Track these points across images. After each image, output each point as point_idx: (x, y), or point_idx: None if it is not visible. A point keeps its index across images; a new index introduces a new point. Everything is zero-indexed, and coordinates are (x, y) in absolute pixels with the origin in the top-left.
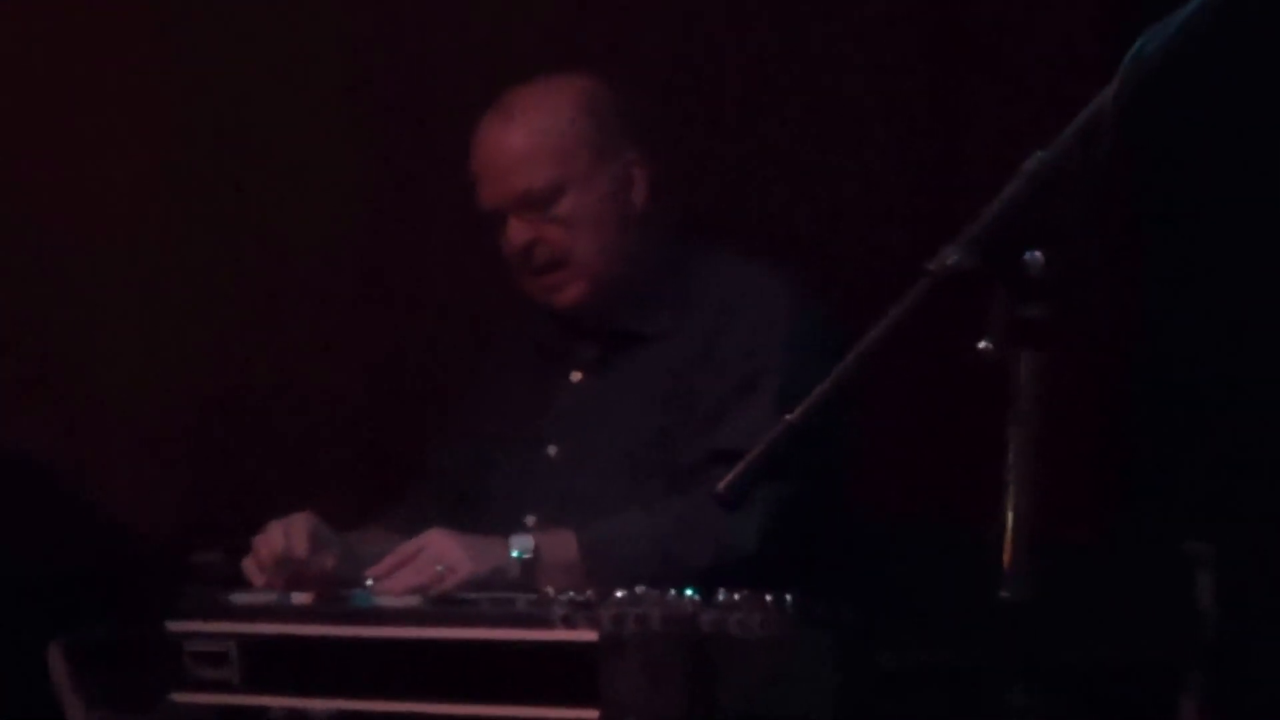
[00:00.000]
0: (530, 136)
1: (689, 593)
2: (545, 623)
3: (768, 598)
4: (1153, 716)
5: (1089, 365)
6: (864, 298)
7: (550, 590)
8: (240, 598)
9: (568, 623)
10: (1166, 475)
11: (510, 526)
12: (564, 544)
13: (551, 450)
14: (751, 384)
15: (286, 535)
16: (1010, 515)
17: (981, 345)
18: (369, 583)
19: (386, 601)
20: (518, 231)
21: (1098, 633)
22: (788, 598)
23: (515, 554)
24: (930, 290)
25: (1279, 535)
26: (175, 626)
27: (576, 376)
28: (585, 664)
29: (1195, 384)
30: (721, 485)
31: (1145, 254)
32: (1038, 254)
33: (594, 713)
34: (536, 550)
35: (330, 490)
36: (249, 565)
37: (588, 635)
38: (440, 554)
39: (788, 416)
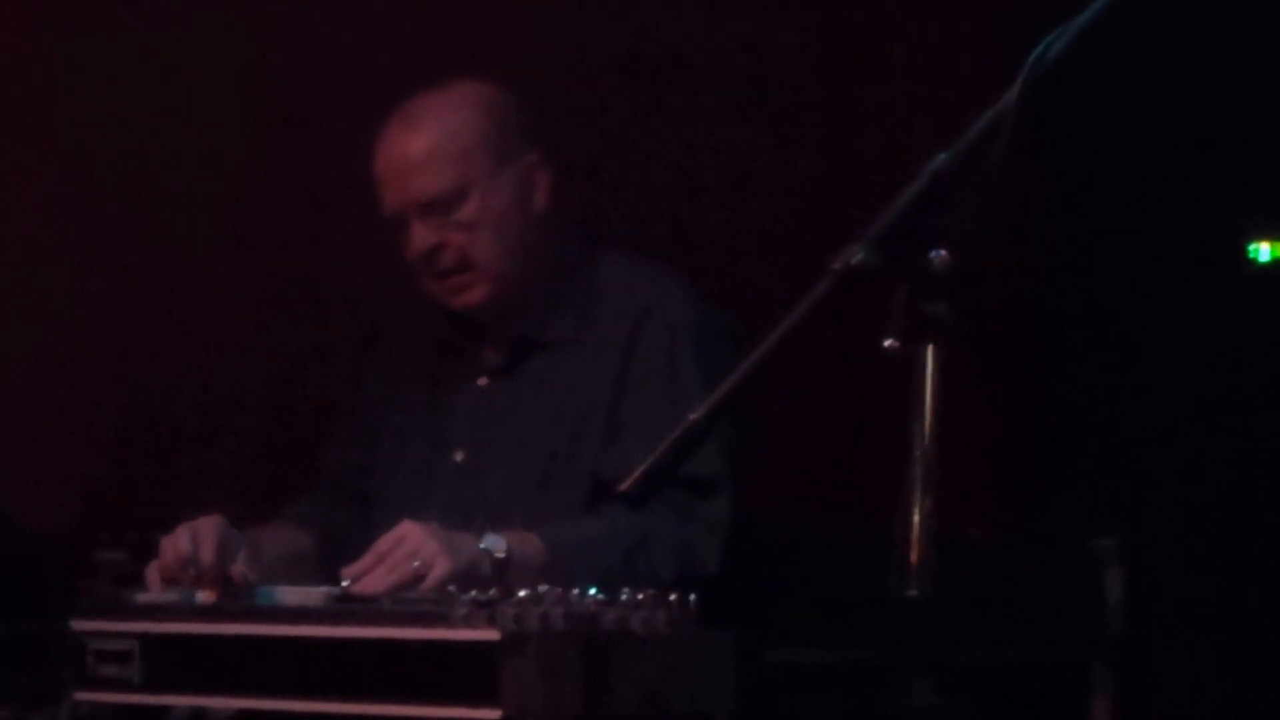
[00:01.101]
0: (432, 142)
1: (592, 591)
2: (447, 621)
3: (671, 597)
4: (1061, 712)
5: (995, 362)
6: (759, 300)
7: (453, 588)
8: (144, 596)
9: (469, 621)
10: (1072, 473)
11: None
12: (530, 545)
13: (458, 456)
14: (672, 397)
15: (194, 541)
16: (916, 512)
17: (886, 343)
18: (345, 583)
19: (289, 600)
20: (422, 236)
21: (1005, 630)
22: (691, 596)
23: (485, 547)
24: (834, 288)
25: (1185, 531)
26: (79, 625)
27: (482, 381)
28: (487, 662)
29: (1100, 381)
30: (626, 484)
31: (1050, 253)
32: (942, 252)
33: (496, 711)
34: (509, 549)
35: (233, 488)
36: (151, 570)
37: (489, 634)
38: (416, 549)
39: (691, 415)
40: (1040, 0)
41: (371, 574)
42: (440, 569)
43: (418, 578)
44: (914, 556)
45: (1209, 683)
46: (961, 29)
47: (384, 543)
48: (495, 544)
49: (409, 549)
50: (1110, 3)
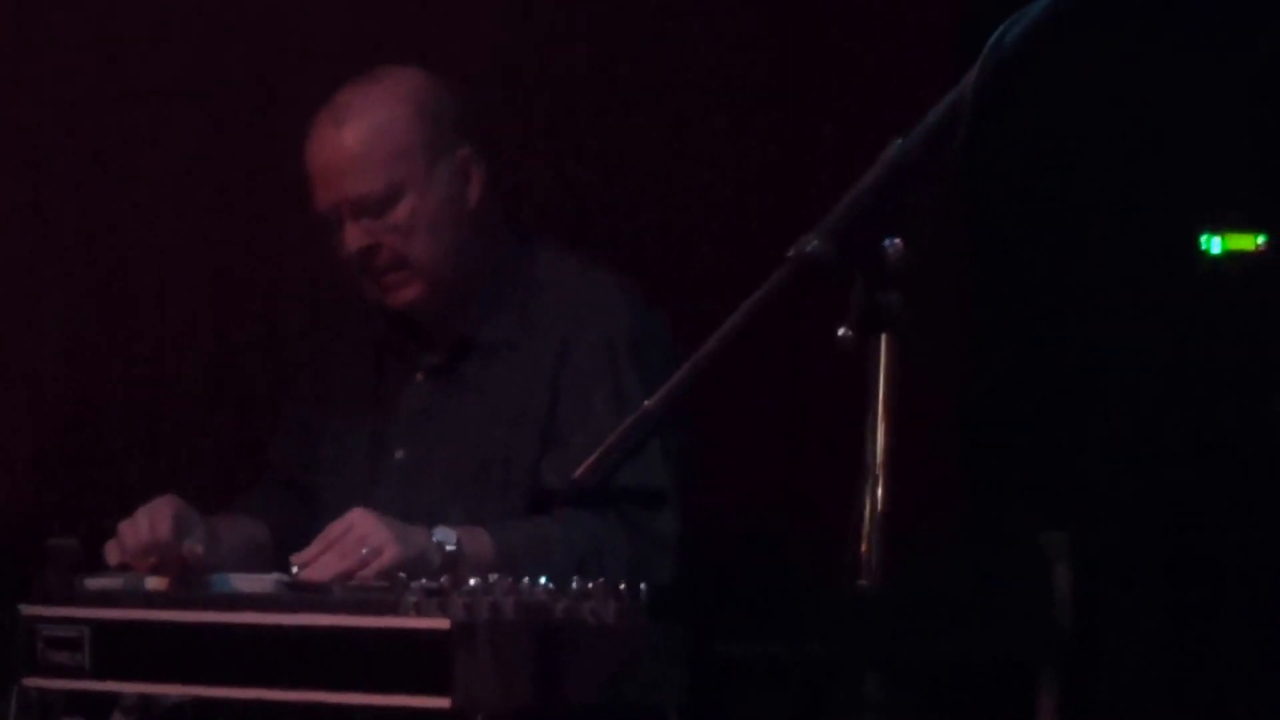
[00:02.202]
0: (361, 141)
1: (543, 581)
2: (398, 610)
3: (622, 587)
4: (1009, 708)
5: (945, 354)
6: (713, 291)
7: (403, 576)
8: (95, 583)
9: (420, 610)
10: (1022, 467)
11: None
12: (481, 541)
13: (399, 455)
14: (608, 401)
15: (150, 520)
16: (868, 506)
17: (841, 332)
18: (295, 570)
19: (242, 587)
20: (355, 236)
21: (954, 625)
22: (642, 587)
23: (437, 539)
24: (788, 278)
25: (1134, 527)
26: (29, 611)
27: (420, 379)
28: (438, 652)
29: (1052, 374)
30: (579, 472)
31: (1000, 244)
32: (897, 241)
33: (446, 700)
34: (459, 543)
35: (186, 477)
36: (110, 548)
37: (440, 623)
38: (365, 536)
39: (646, 403)
40: None
41: (320, 560)
42: (388, 556)
43: (366, 564)
44: (866, 549)
45: (1155, 680)
46: (919, 15)
47: (333, 529)
48: (446, 537)
49: (358, 535)
50: None
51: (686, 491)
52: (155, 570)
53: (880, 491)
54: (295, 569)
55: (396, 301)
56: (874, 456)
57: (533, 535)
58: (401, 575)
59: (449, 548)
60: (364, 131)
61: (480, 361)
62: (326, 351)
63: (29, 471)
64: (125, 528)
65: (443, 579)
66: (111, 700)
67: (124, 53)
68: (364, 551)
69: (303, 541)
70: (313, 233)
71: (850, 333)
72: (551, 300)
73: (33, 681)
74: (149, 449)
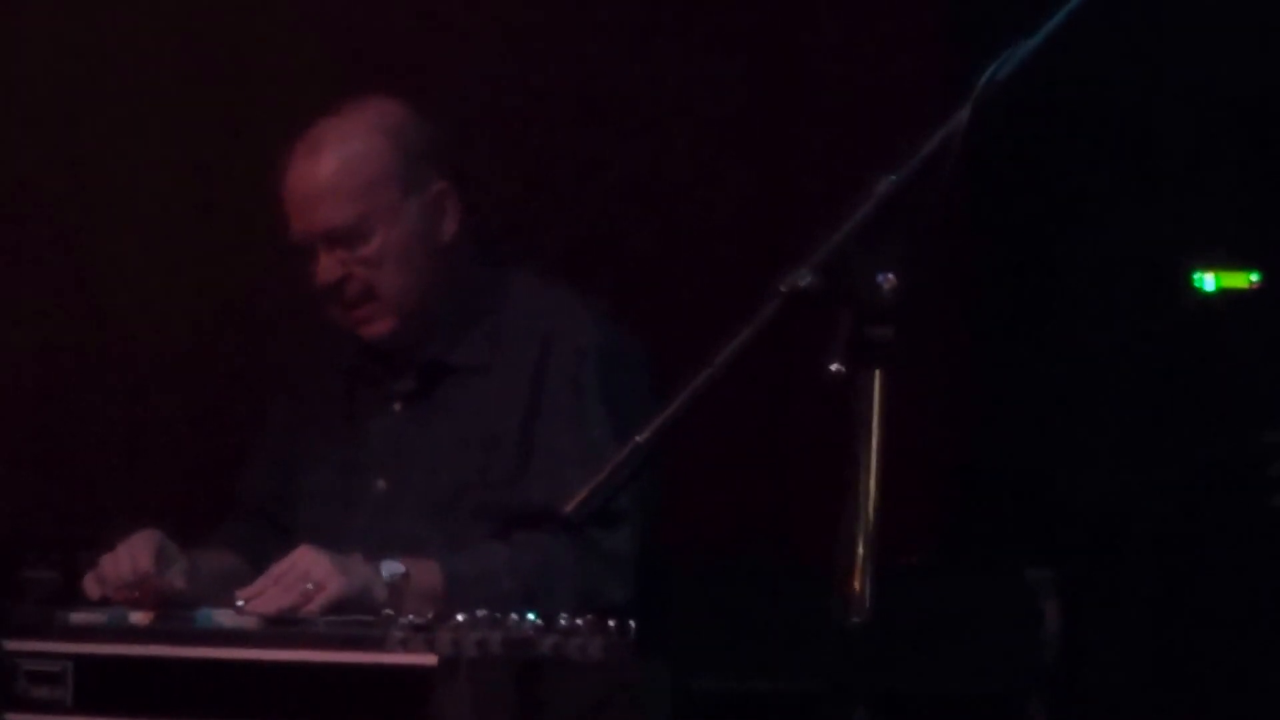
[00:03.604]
0: (334, 172)
1: (530, 617)
2: (383, 645)
3: (609, 623)
4: None
5: (932, 388)
6: (698, 324)
7: (390, 612)
8: (78, 617)
9: (406, 646)
10: (1010, 503)
11: None
12: (429, 572)
13: (380, 484)
14: (577, 424)
15: (132, 553)
16: (855, 540)
17: (833, 368)
18: (240, 603)
19: (226, 622)
20: (326, 268)
21: (941, 660)
22: (629, 624)
23: (385, 575)
24: (779, 311)
25: (1122, 563)
26: (11, 645)
27: (396, 407)
28: (423, 687)
29: (1040, 409)
30: (570, 506)
31: (990, 278)
32: (889, 275)
33: None
34: (406, 575)
35: (163, 507)
36: (89, 581)
37: (426, 659)
38: (309, 571)
39: (637, 438)
40: (980, 23)
41: (265, 595)
42: (332, 590)
43: (310, 598)
44: (853, 584)
45: (1140, 715)
46: (902, 50)
47: (279, 565)
48: (393, 570)
49: (302, 570)
50: (1061, 25)
51: (650, 516)
52: (135, 603)
53: (869, 526)
54: (241, 603)
55: (367, 334)
56: (864, 492)
57: (481, 566)
58: (388, 612)
59: (394, 581)
60: (337, 163)
61: (453, 386)
62: (297, 382)
63: (4, 500)
64: (106, 561)
65: (429, 614)
66: None
67: (106, 67)
68: (308, 586)
69: None
70: (292, 255)
71: (840, 368)
72: (523, 323)
73: (13, 717)
74: (127, 482)
